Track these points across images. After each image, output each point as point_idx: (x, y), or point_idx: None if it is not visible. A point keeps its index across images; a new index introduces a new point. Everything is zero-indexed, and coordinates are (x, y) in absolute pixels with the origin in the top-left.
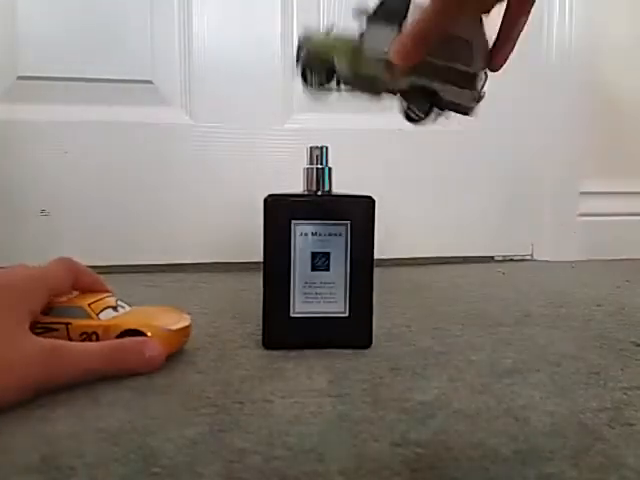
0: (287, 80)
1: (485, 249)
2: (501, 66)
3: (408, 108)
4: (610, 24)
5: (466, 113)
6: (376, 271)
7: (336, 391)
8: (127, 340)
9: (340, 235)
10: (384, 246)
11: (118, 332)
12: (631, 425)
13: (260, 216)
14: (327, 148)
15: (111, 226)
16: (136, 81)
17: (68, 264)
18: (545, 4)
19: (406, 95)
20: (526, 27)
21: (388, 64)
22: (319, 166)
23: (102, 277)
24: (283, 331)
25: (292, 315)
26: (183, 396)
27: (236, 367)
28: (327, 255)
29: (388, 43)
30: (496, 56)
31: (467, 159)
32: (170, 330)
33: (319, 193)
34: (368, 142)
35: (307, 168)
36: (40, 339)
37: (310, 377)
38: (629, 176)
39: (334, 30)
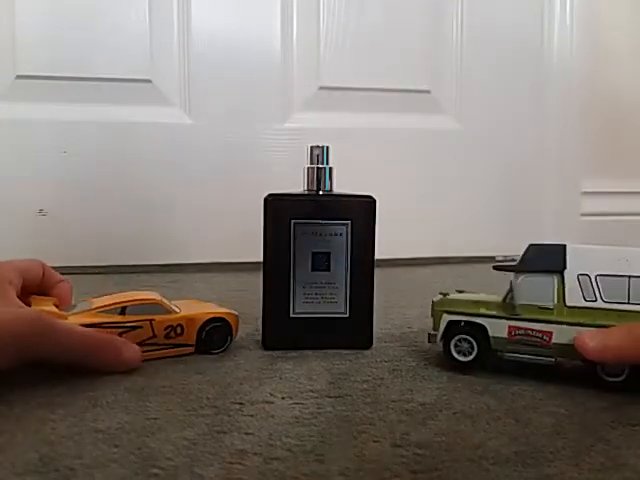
0: (287, 79)
1: (486, 249)
2: None
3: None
4: (611, 25)
5: None
6: (376, 271)
7: (336, 392)
8: (109, 336)
9: (340, 235)
10: (384, 246)
11: (203, 321)
12: (633, 425)
13: (260, 216)
14: (328, 147)
15: (110, 226)
16: (135, 80)
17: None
18: (546, 5)
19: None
20: (526, 27)
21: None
22: (320, 166)
23: (101, 277)
24: (283, 331)
25: (292, 315)
26: (182, 397)
27: (236, 368)
28: (327, 255)
29: (549, 294)
30: None
31: (468, 159)
32: (238, 316)
33: (320, 193)
34: (368, 141)
35: (308, 167)
36: (24, 310)
37: (310, 378)
38: (631, 176)
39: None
